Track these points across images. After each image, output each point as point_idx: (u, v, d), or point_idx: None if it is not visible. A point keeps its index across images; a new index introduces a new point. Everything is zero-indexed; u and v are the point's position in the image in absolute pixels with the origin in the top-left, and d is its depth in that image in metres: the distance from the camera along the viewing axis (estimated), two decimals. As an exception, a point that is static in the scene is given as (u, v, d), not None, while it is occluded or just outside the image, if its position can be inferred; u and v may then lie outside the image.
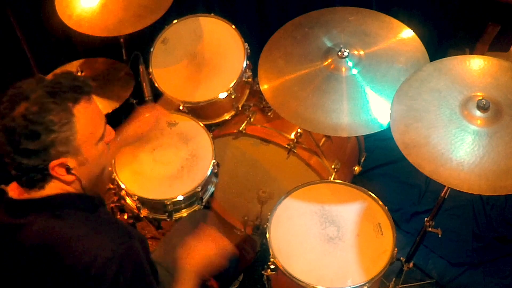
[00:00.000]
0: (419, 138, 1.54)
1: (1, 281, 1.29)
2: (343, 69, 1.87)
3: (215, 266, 1.56)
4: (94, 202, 1.33)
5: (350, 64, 1.87)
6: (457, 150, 1.49)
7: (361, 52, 1.91)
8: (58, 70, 2.24)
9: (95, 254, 1.18)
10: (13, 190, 1.28)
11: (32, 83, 1.20)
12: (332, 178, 2.07)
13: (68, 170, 1.23)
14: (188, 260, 1.52)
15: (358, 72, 1.87)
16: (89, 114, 1.24)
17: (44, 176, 1.23)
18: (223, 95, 2.10)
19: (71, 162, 1.23)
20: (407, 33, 1.94)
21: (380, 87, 1.83)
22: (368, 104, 1.79)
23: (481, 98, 1.53)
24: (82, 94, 1.22)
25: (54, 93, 1.18)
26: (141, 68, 2.25)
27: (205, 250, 1.56)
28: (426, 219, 1.89)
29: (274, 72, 1.94)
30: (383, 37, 1.95)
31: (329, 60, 1.90)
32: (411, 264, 2.08)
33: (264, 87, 1.92)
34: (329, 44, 1.95)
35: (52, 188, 1.25)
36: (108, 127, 1.34)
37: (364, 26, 1.99)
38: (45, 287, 1.25)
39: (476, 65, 1.67)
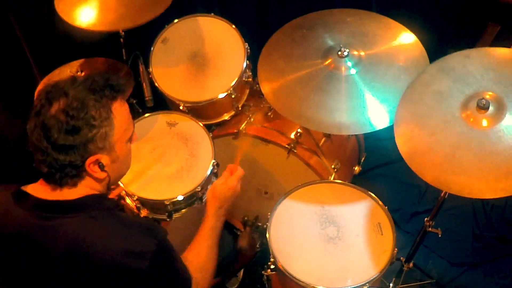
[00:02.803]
0: (421, 146, 1.54)
1: (31, 281, 1.28)
2: (343, 68, 1.88)
3: (230, 189, 1.70)
4: (114, 202, 1.35)
5: (349, 64, 1.88)
6: (458, 155, 1.49)
7: (362, 53, 1.91)
8: (57, 70, 2.24)
9: (128, 250, 1.22)
10: (38, 191, 1.26)
11: (68, 81, 1.23)
12: (332, 178, 2.07)
13: (102, 167, 1.25)
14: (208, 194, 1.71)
15: (356, 72, 1.87)
16: (124, 112, 1.29)
17: (79, 173, 1.24)
18: (223, 95, 2.10)
19: (105, 159, 1.26)
20: (404, 33, 1.95)
21: (378, 87, 1.83)
22: (365, 104, 1.80)
23: (481, 98, 1.52)
24: (118, 93, 1.26)
25: (93, 90, 1.22)
26: (141, 68, 2.25)
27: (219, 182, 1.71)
28: (426, 219, 1.89)
29: (274, 73, 1.94)
30: (381, 38, 1.96)
31: (329, 60, 1.90)
32: (411, 264, 2.08)
33: (265, 88, 1.92)
34: (328, 44, 1.95)
35: (83, 187, 1.27)
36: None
37: (362, 27, 1.99)
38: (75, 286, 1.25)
39: (478, 60, 1.64)
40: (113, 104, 1.25)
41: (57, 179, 1.23)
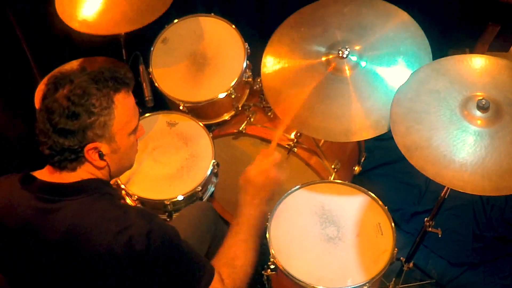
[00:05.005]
0: (421, 141, 1.53)
1: (32, 268, 1.29)
2: (346, 68, 1.86)
3: (263, 172, 1.57)
4: (116, 191, 1.39)
5: (354, 58, 1.86)
6: (459, 151, 1.48)
7: (357, 47, 1.89)
8: (57, 70, 2.24)
9: (120, 232, 1.22)
10: (44, 174, 1.30)
11: (77, 70, 1.28)
12: (332, 178, 2.07)
13: (101, 155, 1.29)
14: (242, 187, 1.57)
15: (366, 64, 1.85)
16: (127, 105, 1.32)
17: (77, 158, 1.27)
18: (223, 95, 2.10)
19: (104, 148, 1.29)
20: (403, 17, 1.92)
21: (382, 86, 1.82)
22: (380, 100, 1.78)
23: (480, 98, 1.52)
24: (122, 85, 1.30)
25: (97, 80, 1.26)
26: (141, 68, 2.25)
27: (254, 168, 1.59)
28: (426, 219, 1.89)
29: (278, 85, 1.93)
30: (380, 27, 1.92)
31: (331, 63, 1.88)
32: (411, 264, 2.08)
33: (273, 102, 1.92)
34: (328, 44, 1.92)
35: (83, 172, 1.30)
36: (140, 124, 1.41)
37: (360, 18, 1.95)
38: (74, 274, 1.26)
39: (474, 65, 1.66)
40: (116, 96, 1.28)
41: (56, 162, 1.27)
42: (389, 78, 1.82)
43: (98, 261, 1.22)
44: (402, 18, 1.92)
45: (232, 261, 1.43)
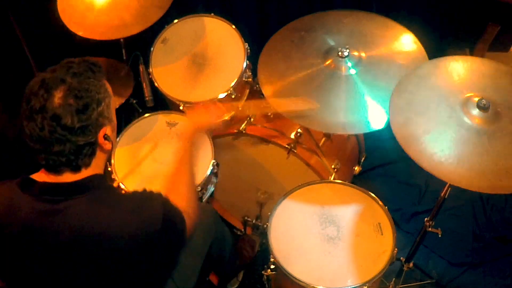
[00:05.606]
0: (419, 132, 1.54)
1: (38, 271, 1.28)
2: (343, 68, 1.89)
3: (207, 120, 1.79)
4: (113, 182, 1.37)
5: (349, 64, 1.89)
6: (457, 147, 1.49)
7: (362, 54, 1.91)
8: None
9: (140, 220, 1.25)
10: (42, 176, 1.29)
11: (51, 72, 1.25)
12: (332, 178, 2.07)
13: (108, 138, 1.31)
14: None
15: (356, 72, 1.88)
16: (108, 84, 1.35)
17: (93, 150, 1.29)
18: (223, 95, 2.10)
19: (108, 130, 1.31)
20: (402, 31, 1.95)
21: (379, 87, 1.83)
22: (366, 103, 1.81)
23: (481, 98, 1.53)
24: (101, 68, 1.33)
25: (84, 70, 1.27)
26: (141, 68, 2.25)
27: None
28: (426, 219, 1.89)
29: (275, 76, 1.95)
30: (379, 37, 1.96)
31: (330, 61, 1.91)
32: (411, 264, 2.08)
33: (267, 91, 1.92)
34: (327, 45, 1.95)
35: (92, 167, 1.30)
36: None
37: (360, 27, 2.00)
38: (88, 272, 1.26)
39: (475, 67, 1.67)
40: (103, 78, 1.32)
41: (77, 164, 1.26)
42: (387, 78, 1.84)
43: (120, 254, 1.23)
44: (401, 32, 1.97)
45: (189, 201, 1.50)
